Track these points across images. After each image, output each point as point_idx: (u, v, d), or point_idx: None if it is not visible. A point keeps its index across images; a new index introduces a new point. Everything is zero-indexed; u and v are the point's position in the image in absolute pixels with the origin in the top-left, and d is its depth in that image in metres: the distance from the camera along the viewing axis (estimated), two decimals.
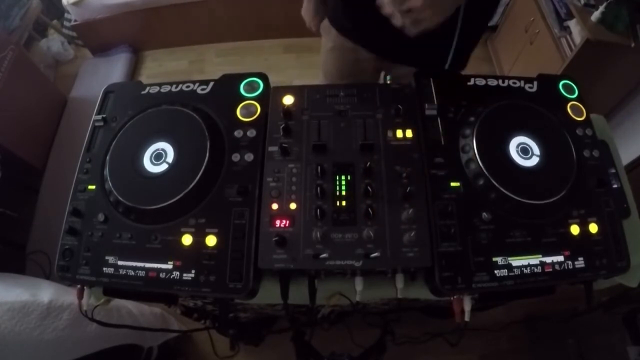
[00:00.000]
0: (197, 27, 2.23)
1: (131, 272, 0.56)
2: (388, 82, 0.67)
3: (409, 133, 0.62)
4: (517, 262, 0.55)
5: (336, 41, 0.93)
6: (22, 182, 1.76)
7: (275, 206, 0.58)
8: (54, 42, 2.29)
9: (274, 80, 0.70)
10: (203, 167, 0.59)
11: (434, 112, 0.64)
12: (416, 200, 0.58)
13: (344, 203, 0.58)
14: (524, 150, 0.61)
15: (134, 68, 2.28)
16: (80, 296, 0.60)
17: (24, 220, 1.69)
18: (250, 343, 1.37)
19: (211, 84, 0.69)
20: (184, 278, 0.55)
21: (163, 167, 0.60)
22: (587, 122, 0.67)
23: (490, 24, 2.23)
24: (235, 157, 0.61)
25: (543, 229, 0.57)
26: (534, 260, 0.56)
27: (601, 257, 0.58)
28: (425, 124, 0.63)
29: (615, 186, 0.69)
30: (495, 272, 0.55)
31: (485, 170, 0.58)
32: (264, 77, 0.69)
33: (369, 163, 0.59)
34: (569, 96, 0.69)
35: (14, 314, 0.79)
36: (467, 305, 0.56)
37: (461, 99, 0.65)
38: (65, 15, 2.34)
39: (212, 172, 0.60)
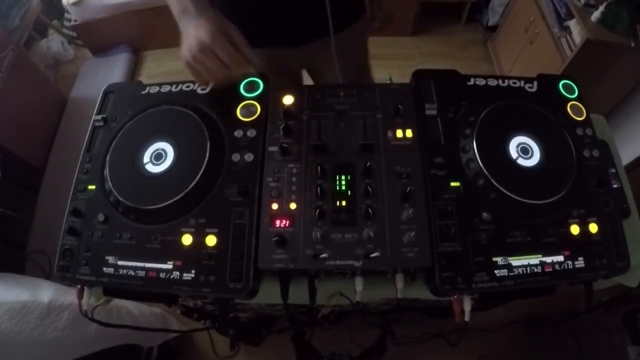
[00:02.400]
0: None
1: (131, 272, 0.56)
2: (388, 82, 0.67)
3: (409, 133, 0.62)
4: (517, 262, 0.55)
5: (266, 55, 0.87)
6: (22, 182, 1.76)
7: (275, 206, 0.58)
8: (54, 42, 2.29)
9: None
10: (203, 167, 0.59)
11: (434, 112, 0.64)
12: (416, 200, 0.57)
13: (343, 203, 0.58)
14: (524, 150, 0.61)
15: (134, 68, 2.28)
16: (80, 296, 0.60)
17: (24, 220, 1.69)
18: (250, 343, 1.37)
19: (211, 83, 0.68)
20: (184, 278, 0.55)
21: (163, 167, 0.60)
22: (587, 122, 0.67)
23: (490, 24, 2.23)
24: (235, 157, 0.61)
25: (543, 229, 0.57)
26: (534, 260, 0.56)
27: (601, 257, 0.57)
28: (425, 124, 0.63)
29: (615, 186, 0.69)
30: (495, 272, 0.55)
31: (485, 170, 0.58)
32: (264, 77, 0.69)
33: (369, 163, 0.59)
34: (569, 96, 0.69)
35: (14, 314, 0.79)
36: (467, 305, 0.56)
37: (461, 99, 0.65)
38: (65, 15, 2.34)
39: (212, 172, 0.60)
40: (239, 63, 0.61)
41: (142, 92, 0.70)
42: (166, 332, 1.22)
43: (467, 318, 0.56)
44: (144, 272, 0.56)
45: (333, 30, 0.82)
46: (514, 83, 0.68)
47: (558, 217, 0.58)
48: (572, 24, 1.55)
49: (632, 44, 1.39)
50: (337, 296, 0.62)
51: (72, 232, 0.59)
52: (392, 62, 2.20)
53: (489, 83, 0.68)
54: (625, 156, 1.21)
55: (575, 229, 0.58)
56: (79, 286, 0.59)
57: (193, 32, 0.60)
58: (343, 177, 0.59)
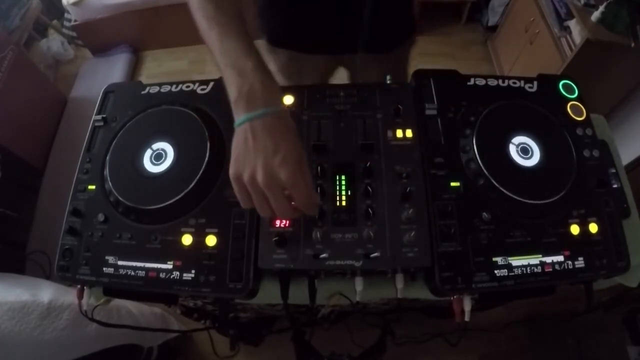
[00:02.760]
0: (197, 27, 2.23)
1: (131, 272, 0.56)
2: (388, 82, 0.67)
3: (409, 133, 0.62)
4: (517, 262, 0.55)
5: (285, 58, 0.89)
6: (22, 182, 1.76)
7: None
8: (54, 42, 2.29)
9: None
10: (203, 167, 0.59)
11: (434, 112, 0.64)
12: (416, 200, 0.57)
13: (344, 203, 0.58)
14: (524, 150, 0.61)
15: (134, 68, 2.28)
16: (80, 296, 0.60)
17: (24, 220, 1.69)
18: (250, 343, 1.37)
19: (211, 84, 0.69)
20: (184, 278, 0.55)
21: (163, 167, 0.60)
22: (587, 122, 0.67)
23: (490, 24, 2.23)
24: None
25: (543, 229, 0.57)
26: (534, 260, 0.56)
27: (601, 257, 0.57)
28: (425, 124, 0.63)
29: (615, 186, 0.69)
30: (495, 272, 0.55)
31: (485, 170, 0.58)
32: None
33: (369, 163, 0.59)
34: (569, 96, 0.69)
35: (14, 314, 0.79)
36: (467, 305, 0.56)
37: (461, 99, 0.65)
38: (65, 15, 2.34)
39: (212, 172, 0.60)
40: (310, 209, 0.48)
41: (142, 92, 0.70)
42: (166, 332, 1.22)
43: (467, 318, 0.56)
44: (144, 272, 0.56)
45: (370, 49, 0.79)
46: (514, 83, 0.68)
47: (558, 217, 0.58)
48: (572, 24, 1.55)
49: (632, 44, 1.39)
50: (337, 296, 0.62)
51: (72, 232, 0.59)
52: None
53: (489, 83, 0.68)
54: (625, 156, 1.21)
55: (575, 229, 0.58)
56: (79, 286, 0.59)
57: (260, 146, 0.44)
58: (343, 177, 0.59)
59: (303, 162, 0.46)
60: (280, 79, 1.02)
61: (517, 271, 0.55)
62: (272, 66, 0.93)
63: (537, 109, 0.65)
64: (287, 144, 0.45)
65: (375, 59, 0.84)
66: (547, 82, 0.69)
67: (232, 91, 0.47)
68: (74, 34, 2.32)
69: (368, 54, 0.82)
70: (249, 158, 0.44)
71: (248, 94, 0.45)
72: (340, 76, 1.08)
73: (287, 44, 0.87)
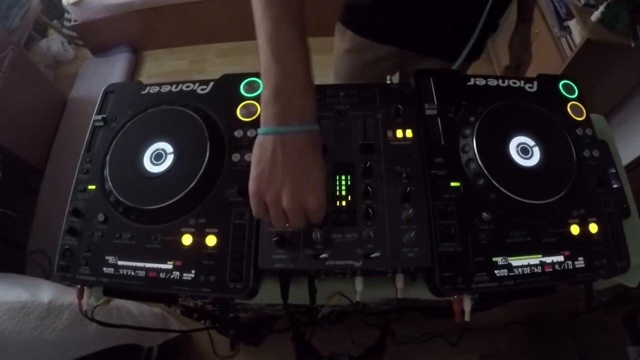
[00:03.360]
0: (197, 27, 2.23)
1: (131, 272, 0.56)
2: (389, 82, 0.67)
3: (409, 133, 0.62)
4: (517, 262, 0.55)
5: (353, 42, 0.90)
6: (22, 182, 1.76)
7: None
8: (54, 42, 2.29)
9: None
10: (203, 167, 0.59)
11: (434, 112, 0.64)
12: (416, 200, 0.57)
13: (344, 203, 0.58)
14: (524, 150, 0.61)
15: (134, 68, 2.28)
16: (80, 296, 0.60)
17: (24, 220, 1.69)
18: (250, 343, 1.37)
19: (211, 84, 0.69)
20: (184, 278, 0.55)
21: (163, 167, 0.60)
22: (587, 122, 0.67)
23: None
24: (235, 157, 0.61)
25: (543, 229, 0.57)
26: (534, 260, 0.56)
27: (601, 257, 0.57)
28: (425, 124, 0.63)
29: (615, 186, 0.69)
30: (495, 272, 0.55)
31: (485, 170, 0.58)
32: None
33: (369, 163, 0.59)
34: (569, 96, 0.69)
35: (14, 314, 0.80)
36: (467, 306, 0.56)
37: (461, 99, 0.65)
38: (65, 15, 2.34)
39: (212, 172, 0.60)
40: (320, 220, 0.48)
41: (142, 92, 0.70)
42: (166, 332, 1.22)
43: (467, 318, 0.56)
44: (144, 272, 0.56)
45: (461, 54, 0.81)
46: (514, 83, 0.68)
47: (558, 217, 0.58)
48: (572, 24, 1.55)
49: (632, 44, 1.39)
50: (337, 296, 0.62)
51: (72, 232, 0.59)
52: None
53: (489, 83, 0.68)
54: (625, 156, 1.21)
55: (575, 229, 0.58)
56: (79, 286, 0.59)
57: (289, 166, 0.41)
58: (343, 177, 0.59)
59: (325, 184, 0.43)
60: (332, 78, 1.03)
61: (517, 271, 0.55)
62: (342, 44, 0.94)
63: (537, 109, 0.65)
64: (318, 169, 0.42)
65: (438, 67, 0.85)
66: (547, 82, 0.69)
67: (268, 88, 0.41)
68: (74, 34, 2.32)
69: (436, 59, 0.83)
70: (276, 177, 0.41)
71: (285, 100, 0.40)
72: None
73: (360, 27, 0.88)
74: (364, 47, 0.91)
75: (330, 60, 1.02)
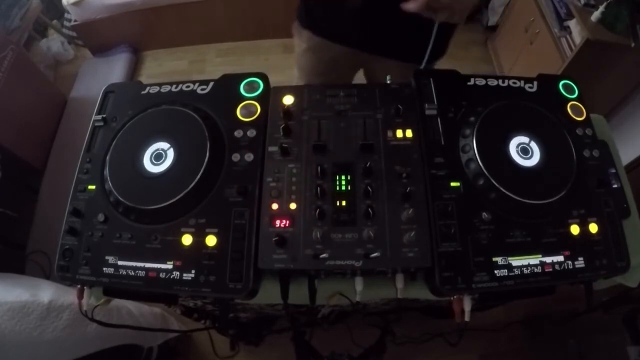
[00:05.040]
0: (197, 27, 2.23)
1: (131, 272, 0.56)
2: (388, 82, 0.67)
3: (409, 133, 0.62)
4: (517, 262, 0.55)
5: (310, 42, 0.93)
6: (22, 182, 1.76)
7: (275, 206, 0.58)
8: (54, 42, 2.29)
9: (274, 80, 0.70)
10: (203, 167, 0.59)
11: (434, 112, 0.64)
12: (416, 200, 0.57)
13: (344, 203, 0.58)
14: (524, 150, 0.61)
15: (134, 68, 2.28)
16: (80, 296, 0.60)
17: (24, 220, 1.69)
18: (250, 343, 1.37)
19: (211, 84, 0.69)
20: (184, 278, 0.55)
21: (163, 167, 0.60)
22: (587, 122, 0.67)
23: (490, 24, 2.23)
24: (235, 157, 0.61)
25: (543, 229, 0.57)
26: (534, 260, 0.56)
27: (601, 257, 0.58)
28: (425, 124, 0.63)
29: (615, 186, 0.69)
30: (495, 272, 0.55)
31: (485, 170, 0.58)
32: (264, 77, 0.69)
33: (369, 163, 0.59)
34: (569, 96, 0.69)
35: (14, 314, 0.79)
36: (467, 305, 0.56)
37: (461, 99, 0.65)
38: (65, 15, 2.34)
39: (212, 172, 0.60)
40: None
41: (142, 92, 0.70)
42: (166, 332, 1.22)
43: (467, 318, 0.56)
44: (144, 272, 0.56)
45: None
46: (514, 83, 0.68)
47: (558, 217, 0.58)
48: (572, 24, 1.55)
49: (632, 44, 1.39)
50: (337, 296, 0.62)
51: (72, 232, 0.59)
52: None
53: (489, 83, 0.68)
54: (625, 156, 1.21)
55: (575, 229, 0.58)
56: (79, 286, 0.59)
57: None
58: (343, 177, 0.59)
59: None
60: (297, 72, 1.04)
61: (517, 271, 0.55)
62: (300, 44, 0.96)
63: (537, 109, 0.65)
64: None
65: (396, 67, 0.83)
66: (547, 82, 0.69)
67: None
68: (74, 34, 2.32)
69: (390, 58, 0.82)
70: None
71: None
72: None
73: (313, 26, 0.90)
74: (320, 46, 0.92)
75: None
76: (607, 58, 1.50)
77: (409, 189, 0.57)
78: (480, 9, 2.31)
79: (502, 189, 0.57)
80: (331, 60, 0.94)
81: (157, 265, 0.56)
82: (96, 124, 0.67)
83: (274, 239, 0.55)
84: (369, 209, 0.56)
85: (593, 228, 0.58)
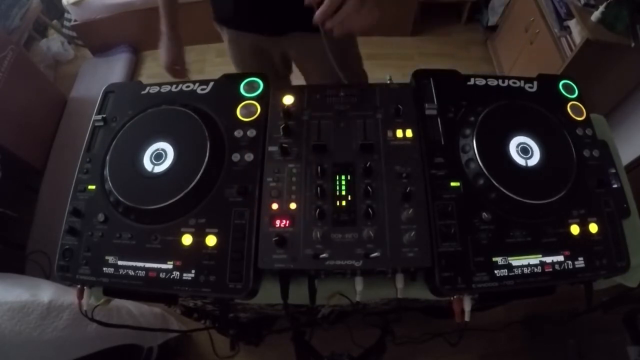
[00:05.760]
0: (197, 27, 2.23)
1: (131, 272, 0.56)
2: (388, 82, 0.67)
3: (409, 133, 0.62)
4: (517, 262, 0.55)
5: (227, 35, 1.01)
6: (22, 182, 1.76)
7: (275, 206, 0.58)
8: (54, 42, 2.29)
9: None
10: (203, 167, 0.59)
11: (434, 112, 0.64)
12: (416, 200, 0.57)
13: (344, 203, 0.58)
14: (524, 150, 0.61)
15: (134, 68, 2.28)
16: (80, 296, 0.60)
17: (24, 220, 1.69)
18: (250, 343, 1.37)
19: (211, 84, 0.69)
20: (184, 278, 0.55)
21: (163, 167, 0.60)
22: (587, 122, 0.67)
23: (490, 24, 2.23)
24: (235, 157, 0.61)
25: (543, 229, 0.57)
26: (534, 260, 0.56)
27: (601, 257, 0.57)
28: (425, 124, 0.63)
29: (615, 186, 0.69)
30: (495, 272, 0.55)
31: (485, 170, 0.58)
32: (264, 77, 0.69)
33: (369, 163, 0.59)
34: (569, 96, 0.69)
35: (14, 314, 0.79)
36: (467, 306, 0.56)
37: (461, 99, 0.65)
38: (65, 15, 2.34)
39: (212, 172, 0.60)
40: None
41: (142, 92, 0.70)
42: (166, 332, 1.22)
43: (467, 318, 0.56)
44: (144, 272, 0.56)
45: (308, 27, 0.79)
46: (514, 83, 0.68)
47: (558, 217, 0.58)
48: (572, 24, 1.55)
49: (632, 44, 1.39)
50: (337, 296, 0.62)
51: (72, 232, 0.59)
52: (391, 62, 2.20)
53: (489, 83, 0.68)
54: (625, 156, 1.21)
55: (575, 229, 0.58)
56: (79, 286, 0.59)
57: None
58: (343, 177, 0.59)
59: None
60: (229, 51, 1.11)
61: (517, 271, 0.55)
62: (224, 38, 1.05)
63: (537, 109, 0.65)
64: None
65: (313, 42, 0.79)
66: (547, 82, 0.69)
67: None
68: (74, 34, 2.32)
69: (298, 32, 0.86)
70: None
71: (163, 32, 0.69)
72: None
73: (223, 20, 0.99)
74: (235, 37, 1.00)
75: None
76: (607, 58, 1.49)
77: (409, 189, 0.57)
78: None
79: (502, 189, 0.57)
80: (252, 50, 1.00)
81: (157, 265, 0.56)
82: (96, 124, 0.67)
83: (274, 239, 0.55)
84: (369, 209, 0.56)
85: (593, 228, 0.58)
